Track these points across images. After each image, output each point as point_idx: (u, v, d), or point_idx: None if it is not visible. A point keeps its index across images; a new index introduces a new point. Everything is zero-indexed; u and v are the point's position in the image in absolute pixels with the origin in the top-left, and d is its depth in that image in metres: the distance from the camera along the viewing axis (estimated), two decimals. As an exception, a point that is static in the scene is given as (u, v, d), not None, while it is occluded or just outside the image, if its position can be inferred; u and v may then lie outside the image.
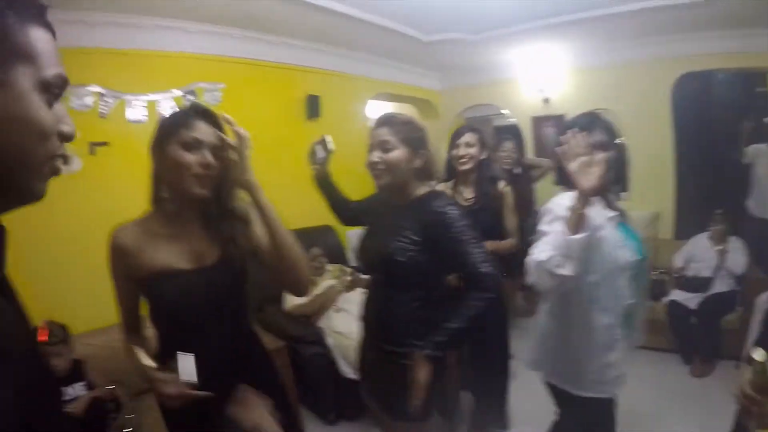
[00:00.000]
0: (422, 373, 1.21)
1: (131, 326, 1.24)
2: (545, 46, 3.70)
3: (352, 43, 3.23)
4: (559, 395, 1.51)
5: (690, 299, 2.99)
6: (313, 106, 3.11)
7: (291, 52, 3.07)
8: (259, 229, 1.18)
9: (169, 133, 1.10)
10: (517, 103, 4.48)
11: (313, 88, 3.17)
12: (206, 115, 1.14)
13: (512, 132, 4.04)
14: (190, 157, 1.07)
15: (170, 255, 1.14)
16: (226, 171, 1.12)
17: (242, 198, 1.17)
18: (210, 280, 1.15)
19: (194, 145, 1.08)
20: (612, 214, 1.41)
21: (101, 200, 2.43)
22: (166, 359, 1.11)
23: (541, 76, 4.13)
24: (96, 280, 2.35)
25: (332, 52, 3.24)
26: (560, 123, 3.94)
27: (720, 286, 2.99)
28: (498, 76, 4.37)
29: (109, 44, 2.51)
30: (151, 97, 2.61)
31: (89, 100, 2.46)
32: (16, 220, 0.58)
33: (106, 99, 2.51)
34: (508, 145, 3.11)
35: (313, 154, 1.73)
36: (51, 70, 0.52)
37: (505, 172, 2.96)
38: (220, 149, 1.10)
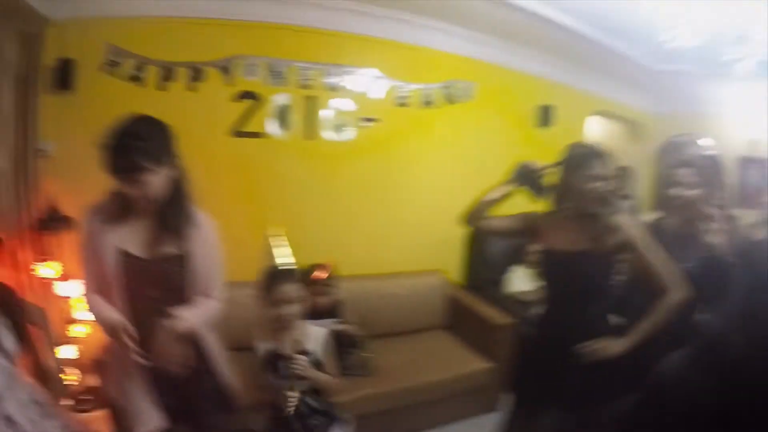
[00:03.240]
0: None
1: None
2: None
3: (586, 60, 3.34)
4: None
5: None
6: (545, 115, 3.25)
7: (531, 61, 3.24)
8: None
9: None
10: (724, 137, 4.22)
11: (545, 98, 3.31)
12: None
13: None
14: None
15: None
16: None
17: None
18: None
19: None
20: None
21: (366, 165, 2.84)
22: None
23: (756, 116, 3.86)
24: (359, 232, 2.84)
25: (565, 66, 3.36)
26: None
27: None
28: (711, 110, 4.17)
29: (388, 35, 2.86)
30: (415, 86, 2.91)
31: (365, 82, 2.82)
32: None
33: (379, 82, 2.85)
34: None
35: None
36: None
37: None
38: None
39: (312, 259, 2.40)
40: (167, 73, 2.59)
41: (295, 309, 1.61)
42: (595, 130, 4.00)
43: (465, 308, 2.87)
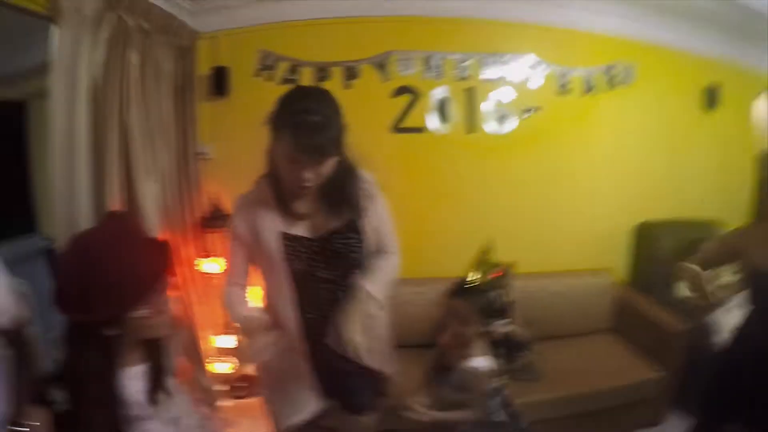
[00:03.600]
0: None
1: None
2: None
3: (755, 35, 2.98)
4: None
5: None
6: (711, 97, 2.90)
7: (694, 39, 2.92)
8: None
9: None
10: None
11: (710, 78, 2.96)
12: None
13: None
14: None
15: None
16: None
17: None
18: None
19: None
20: None
21: (529, 157, 2.63)
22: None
23: None
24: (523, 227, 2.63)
25: (731, 43, 3.01)
26: None
27: None
28: None
29: (543, 19, 2.64)
30: (575, 71, 2.65)
31: (524, 70, 2.60)
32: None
33: (538, 69, 2.62)
34: None
35: None
36: None
37: None
38: None
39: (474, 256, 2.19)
40: (321, 73, 2.50)
41: (471, 330, 1.46)
42: (764, 111, 3.56)
43: (635, 311, 2.56)
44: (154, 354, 1.14)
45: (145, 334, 1.08)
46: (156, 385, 1.14)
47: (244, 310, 1.31)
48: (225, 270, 1.40)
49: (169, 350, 1.19)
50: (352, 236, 1.29)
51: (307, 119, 1.07)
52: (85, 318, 0.98)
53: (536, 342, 2.24)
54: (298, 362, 1.32)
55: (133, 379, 1.08)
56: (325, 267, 1.28)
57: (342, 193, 1.26)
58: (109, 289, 0.96)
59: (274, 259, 1.26)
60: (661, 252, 2.75)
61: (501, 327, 1.94)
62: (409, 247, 2.65)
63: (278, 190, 1.25)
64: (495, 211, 2.61)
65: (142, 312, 1.01)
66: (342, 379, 1.35)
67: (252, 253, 1.31)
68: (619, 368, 2.29)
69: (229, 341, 2.49)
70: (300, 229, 1.26)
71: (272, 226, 1.25)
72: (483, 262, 2.09)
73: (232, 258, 1.33)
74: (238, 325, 1.34)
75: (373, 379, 1.43)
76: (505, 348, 2.10)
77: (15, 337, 1.25)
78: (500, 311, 2.13)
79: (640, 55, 2.78)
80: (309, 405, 1.32)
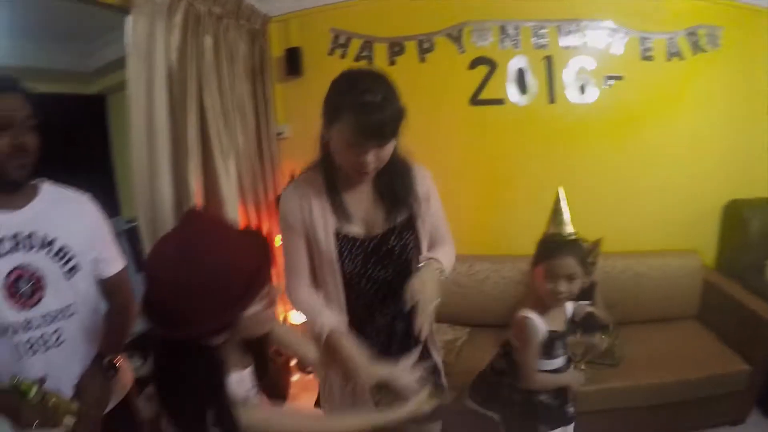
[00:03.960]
0: None
1: None
2: None
3: None
4: None
5: None
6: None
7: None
8: None
9: None
10: None
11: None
12: None
13: None
14: None
15: None
16: None
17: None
18: None
19: None
20: None
21: (611, 128, 2.50)
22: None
23: None
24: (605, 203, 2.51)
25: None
26: None
27: None
28: None
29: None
30: (657, 36, 2.52)
31: (603, 36, 2.49)
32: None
33: (618, 35, 2.50)
34: None
35: None
36: None
37: None
38: None
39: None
40: (395, 48, 2.48)
41: (572, 287, 1.42)
42: None
43: (725, 297, 2.36)
44: (258, 351, 1.03)
45: (254, 332, 0.95)
46: (262, 382, 1.04)
47: (325, 319, 1.15)
48: (284, 267, 1.25)
49: (269, 343, 1.09)
50: (407, 235, 1.23)
51: (369, 99, 1.01)
52: (193, 333, 0.83)
53: (617, 326, 2.12)
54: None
55: (241, 383, 0.97)
56: (379, 267, 1.22)
57: (398, 188, 1.20)
58: (217, 294, 0.82)
59: (324, 257, 1.20)
60: (752, 233, 2.57)
61: (584, 308, 1.86)
62: (486, 225, 2.63)
63: (331, 182, 1.18)
64: (576, 187, 2.48)
65: (253, 310, 0.87)
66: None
67: (308, 253, 1.23)
68: (703, 358, 2.12)
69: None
70: (354, 228, 1.19)
71: (325, 223, 1.18)
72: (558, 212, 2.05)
73: (292, 252, 1.22)
74: (314, 334, 1.16)
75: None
76: (584, 331, 2.00)
77: (115, 287, 1.31)
78: (584, 291, 2.05)
79: (725, 17, 2.62)
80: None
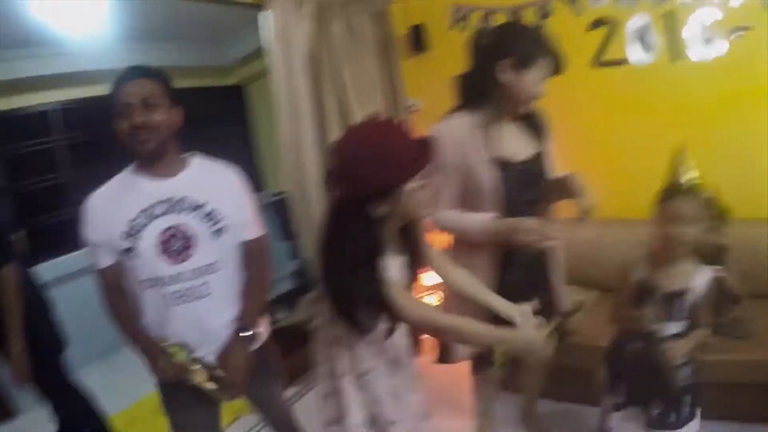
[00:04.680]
0: None
1: None
2: None
3: None
4: None
5: None
6: None
7: None
8: None
9: None
10: None
11: None
12: None
13: None
14: None
15: None
16: None
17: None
18: None
19: None
20: None
21: (740, 84, 2.46)
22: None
23: None
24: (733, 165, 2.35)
25: None
26: None
27: None
28: None
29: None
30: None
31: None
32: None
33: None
34: None
35: None
36: None
37: None
38: None
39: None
40: (514, 17, 2.63)
41: (690, 232, 1.36)
42: None
43: None
44: (413, 244, 1.19)
45: (411, 213, 1.10)
46: (414, 278, 1.21)
47: (476, 218, 1.40)
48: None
49: (424, 239, 1.24)
50: (544, 160, 1.51)
51: (553, 46, 1.40)
52: (358, 190, 1.01)
53: (749, 299, 1.97)
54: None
55: (394, 267, 1.12)
56: (528, 190, 1.45)
57: (537, 118, 1.52)
58: (381, 160, 0.99)
59: (483, 187, 1.40)
60: None
61: (714, 273, 1.80)
62: (611, 188, 2.66)
63: (491, 117, 1.42)
64: (702, 150, 2.42)
65: (411, 185, 1.03)
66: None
67: (460, 186, 1.44)
68: None
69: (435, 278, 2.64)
70: (508, 154, 1.42)
71: (481, 154, 1.39)
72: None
73: (444, 191, 1.42)
74: (479, 227, 1.38)
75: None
76: (714, 299, 1.94)
77: (255, 252, 1.41)
78: (714, 255, 2.01)
79: None
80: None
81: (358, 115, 2.61)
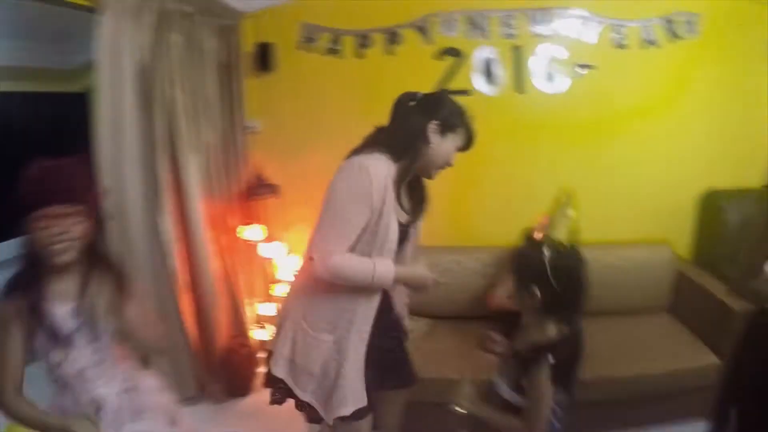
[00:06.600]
0: None
1: None
2: None
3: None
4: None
5: None
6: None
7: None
8: None
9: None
10: None
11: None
12: None
13: None
14: None
15: None
16: None
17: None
18: None
19: None
20: None
21: (582, 117, 2.47)
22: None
23: None
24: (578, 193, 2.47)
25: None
26: None
27: None
28: None
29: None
30: (632, 23, 2.48)
31: (575, 24, 2.46)
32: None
33: (591, 23, 2.46)
34: None
35: None
36: None
37: None
38: None
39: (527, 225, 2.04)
40: (363, 41, 2.48)
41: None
42: None
43: (697, 290, 2.29)
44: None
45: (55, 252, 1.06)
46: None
47: (379, 265, 1.32)
48: (327, 233, 1.32)
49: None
50: (412, 231, 1.50)
51: (471, 122, 1.43)
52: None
53: (585, 317, 2.06)
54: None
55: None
56: (397, 251, 1.42)
57: (424, 191, 1.52)
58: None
59: (379, 240, 1.33)
60: (728, 224, 2.49)
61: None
62: (453, 215, 2.58)
63: (407, 173, 1.37)
64: (545, 177, 2.45)
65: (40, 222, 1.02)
66: (388, 356, 1.51)
67: (365, 229, 1.32)
68: (673, 351, 2.08)
69: (271, 309, 2.53)
70: (403, 217, 1.41)
71: (393, 210, 1.34)
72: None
73: (352, 223, 1.30)
74: (377, 282, 1.33)
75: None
76: None
77: None
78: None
79: (703, 3, 2.57)
80: (360, 399, 1.36)
81: (187, 134, 2.31)
